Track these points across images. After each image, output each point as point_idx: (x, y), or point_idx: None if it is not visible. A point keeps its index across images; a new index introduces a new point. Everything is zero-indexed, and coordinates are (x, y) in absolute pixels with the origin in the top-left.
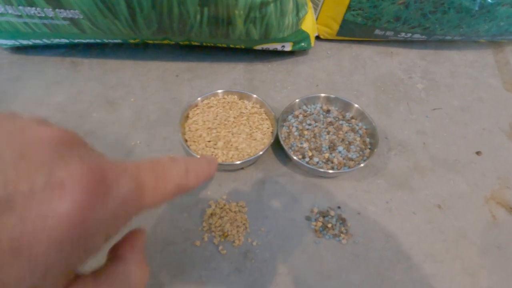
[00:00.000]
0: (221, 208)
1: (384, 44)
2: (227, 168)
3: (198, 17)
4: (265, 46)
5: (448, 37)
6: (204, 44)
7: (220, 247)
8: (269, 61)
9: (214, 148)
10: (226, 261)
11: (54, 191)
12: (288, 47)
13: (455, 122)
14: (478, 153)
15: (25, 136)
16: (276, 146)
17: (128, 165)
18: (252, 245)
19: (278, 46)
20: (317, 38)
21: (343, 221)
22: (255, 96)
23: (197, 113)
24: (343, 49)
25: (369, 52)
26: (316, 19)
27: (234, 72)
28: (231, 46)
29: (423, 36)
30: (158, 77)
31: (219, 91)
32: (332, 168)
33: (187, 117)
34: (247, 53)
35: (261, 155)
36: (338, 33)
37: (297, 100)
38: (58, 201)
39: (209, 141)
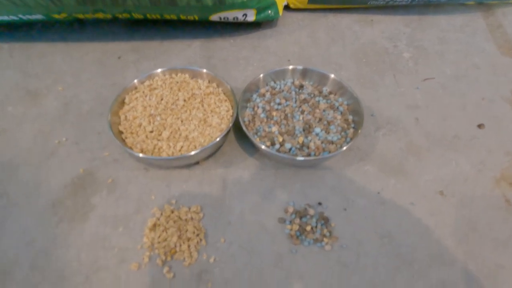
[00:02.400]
0: (168, 216)
1: (363, 11)
2: (176, 164)
3: None
4: (223, 14)
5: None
6: (149, 16)
7: (166, 269)
8: (231, 35)
9: (158, 140)
10: None
11: None
12: (251, 16)
13: (450, 93)
14: (480, 126)
15: None
16: (240, 133)
17: None
18: (208, 263)
19: (239, 15)
20: (287, 8)
21: (325, 221)
22: (209, 73)
23: (136, 98)
24: (317, 19)
25: (347, 21)
26: None
27: (190, 50)
28: (182, 17)
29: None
30: (96, 60)
31: (159, 70)
32: (309, 155)
33: (122, 102)
34: (204, 27)
35: (218, 142)
36: (310, 0)
37: (261, 75)
38: None
39: (151, 132)
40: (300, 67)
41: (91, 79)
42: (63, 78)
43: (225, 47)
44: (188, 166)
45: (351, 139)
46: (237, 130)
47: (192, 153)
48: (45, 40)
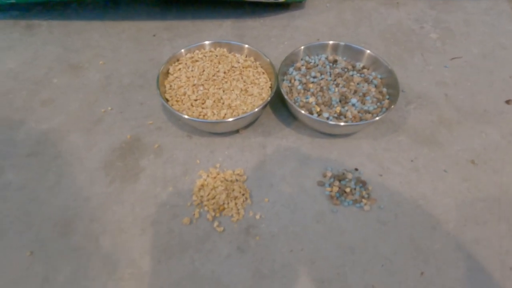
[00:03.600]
0: (214, 178)
1: None
2: (218, 130)
3: None
4: None
5: None
6: None
7: (216, 224)
8: (261, 16)
9: (202, 108)
10: (224, 240)
11: None
12: None
13: (478, 71)
14: (508, 102)
15: None
16: (276, 105)
17: None
18: (255, 219)
19: None
20: None
21: (363, 184)
22: (248, 47)
23: (179, 69)
24: (343, 1)
25: (373, 4)
26: None
27: (221, 29)
28: None
29: None
30: (132, 37)
31: (206, 42)
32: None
33: (167, 73)
34: (234, 8)
35: (259, 112)
36: None
37: (302, 47)
38: None
39: (196, 100)
40: (336, 42)
41: (129, 55)
42: (102, 53)
43: (256, 27)
44: (229, 134)
45: (386, 109)
46: (274, 103)
47: (231, 119)
48: (82, 18)
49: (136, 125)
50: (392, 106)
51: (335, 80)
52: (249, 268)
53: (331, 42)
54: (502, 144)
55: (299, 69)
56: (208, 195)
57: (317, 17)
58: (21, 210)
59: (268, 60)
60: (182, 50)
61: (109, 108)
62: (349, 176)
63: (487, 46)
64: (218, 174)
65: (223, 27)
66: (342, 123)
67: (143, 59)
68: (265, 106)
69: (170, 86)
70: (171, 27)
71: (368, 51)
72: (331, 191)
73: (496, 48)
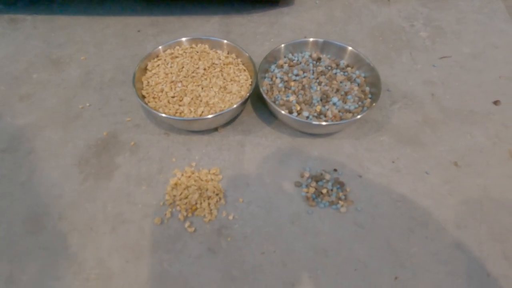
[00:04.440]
0: (189, 177)
1: None
2: (196, 128)
3: None
4: None
5: None
6: None
7: (187, 224)
8: (249, 13)
9: (180, 105)
10: (195, 241)
11: None
12: None
13: (467, 70)
14: (496, 102)
15: None
16: (257, 104)
17: None
18: (228, 220)
19: None
20: None
21: (341, 185)
22: (229, 43)
23: (158, 65)
24: None
25: (364, 0)
26: None
27: (208, 25)
28: None
29: None
30: (117, 33)
31: (184, 39)
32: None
33: (145, 69)
34: (222, 4)
35: (237, 108)
36: None
37: (282, 45)
38: None
39: (173, 97)
40: (318, 40)
41: (112, 50)
42: (85, 49)
43: (243, 23)
44: (208, 132)
45: (368, 108)
46: (255, 101)
47: (210, 116)
48: (67, 13)
49: (114, 122)
50: (374, 104)
51: (317, 78)
52: (219, 269)
53: (311, 39)
54: (487, 146)
55: (282, 66)
56: (181, 194)
57: (306, 14)
58: None
59: (247, 55)
60: (160, 47)
61: (87, 104)
62: (327, 177)
63: (478, 45)
64: (193, 173)
65: (210, 23)
66: (322, 123)
67: (127, 55)
68: (244, 103)
69: (148, 82)
70: (157, 23)
71: (350, 48)
72: (307, 192)
73: (487, 47)
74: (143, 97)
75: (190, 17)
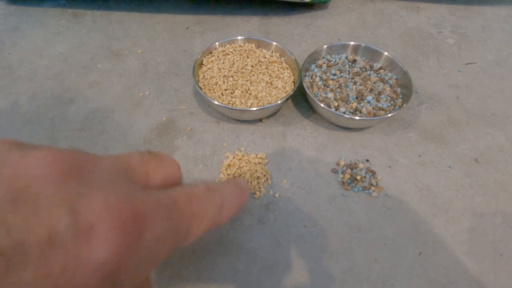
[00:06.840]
0: (240, 159)
1: None
2: (244, 117)
3: None
4: None
5: None
6: None
7: None
8: (286, 14)
9: (231, 97)
10: (247, 213)
11: (82, 237)
12: None
13: (490, 77)
14: None
15: (9, 171)
16: (297, 99)
17: (161, 196)
18: (274, 197)
19: None
20: None
21: (372, 173)
22: (274, 44)
23: (212, 60)
24: (365, 3)
25: (394, 7)
26: None
27: (249, 25)
28: None
29: None
30: (167, 29)
31: (239, 37)
32: None
33: (200, 64)
34: (261, 5)
35: (282, 103)
36: None
37: (324, 46)
38: (90, 249)
39: (226, 90)
40: (356, 43)
41: (164, 45)
42: (140, 42)
43: (281, 24)
44: (253, 122)
45: (399, 107)
46: (295, 97)
47: (255, 108)
48: (121, 9)
49: (171, 109)
50: (404, 105)
51: (353, 78)
52: (268, 237)
53: (352, 42)
54: (506, 146)
55: (321, 66)
56: (234, 173)
57: (339, 17)
58: None
59: (293, 57)
60: (216, 43)
61: (147, 93)
62: (361, 165)
63: (502, 53)
64: (243, 156)
65: (251, 23)
66: (357, 117)
67: (177, 50)
68: (287, 99)
69: (203, 76)
70: (202, 21)
71: (386, 53)
72: (343, 178)
73: (511, 55)
74: (200, 88)
75: (232, 17)
